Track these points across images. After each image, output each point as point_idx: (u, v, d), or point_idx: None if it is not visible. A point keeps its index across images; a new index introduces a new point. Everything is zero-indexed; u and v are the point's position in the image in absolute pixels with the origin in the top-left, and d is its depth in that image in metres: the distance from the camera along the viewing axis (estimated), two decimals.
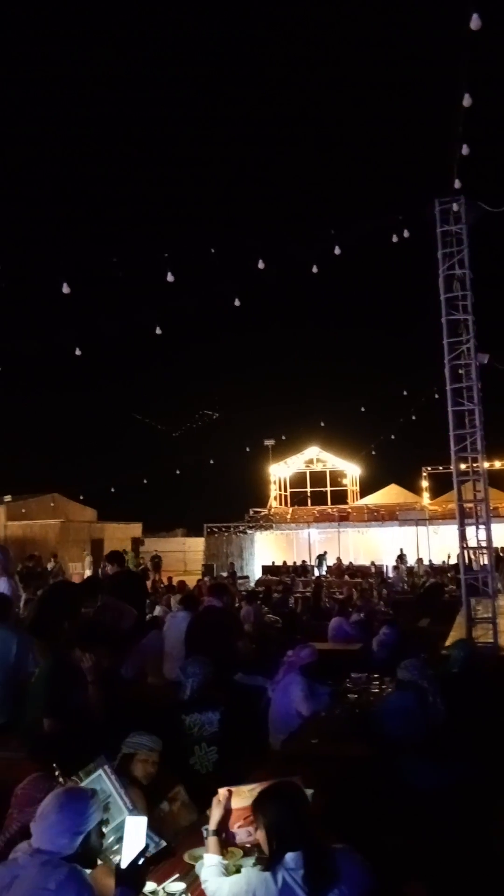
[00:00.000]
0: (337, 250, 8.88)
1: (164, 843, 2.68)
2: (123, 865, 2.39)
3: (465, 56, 5.44)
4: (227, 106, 50.64)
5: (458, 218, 9.24)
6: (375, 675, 6.21)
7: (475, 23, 4.89)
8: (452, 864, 3.40)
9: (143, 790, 3.23)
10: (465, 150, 6.88)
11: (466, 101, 6.03)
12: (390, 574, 23.41)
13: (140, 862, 2.42)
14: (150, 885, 2.47)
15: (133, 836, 2.46)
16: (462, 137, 6.84)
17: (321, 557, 26.89)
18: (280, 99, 49.71)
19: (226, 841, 2.73)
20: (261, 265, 8.84)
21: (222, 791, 2.82)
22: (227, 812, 2.72)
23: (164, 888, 2.47)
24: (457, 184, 7.95)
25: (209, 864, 2.53)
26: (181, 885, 2.52)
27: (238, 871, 2.52)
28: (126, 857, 2.41)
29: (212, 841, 2.67)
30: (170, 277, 8.90)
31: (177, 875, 2.63)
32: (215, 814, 2.73)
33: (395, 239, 9.22)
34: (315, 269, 9.42)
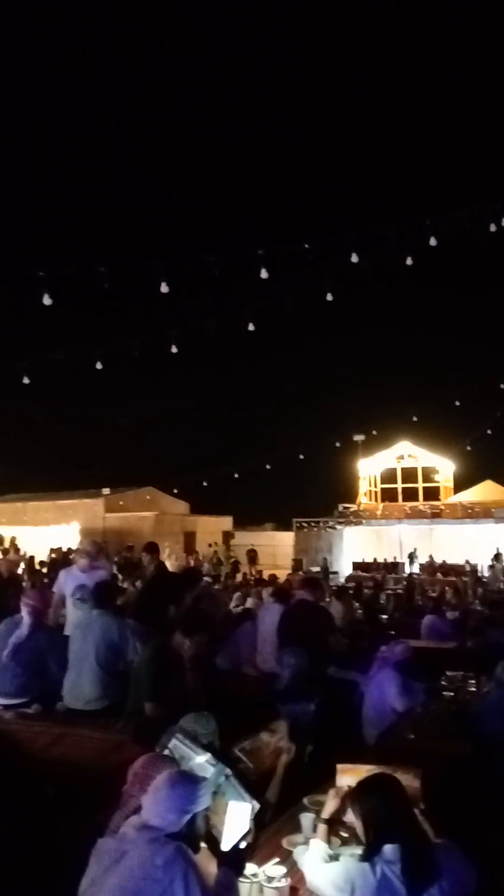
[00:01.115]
0: (433, 241, 8.70)
1: (257, 805, 2.72)
2: (226, 848, 2.47)
3: None
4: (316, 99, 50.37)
5: None
6: (471, 674, 6.09)
7: None
8: None
9: None
10: None
11: None
12: (485, 573, 22.75)
13: (242, 846, 2.49)
14: (250, 868, 2.53)
15: (236, 821, 2.52)
16: None
17: (412, 555, 26.44)
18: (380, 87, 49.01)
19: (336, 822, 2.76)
20: (354, 259, 8.78)
21: (342, 784, 2.84)
22: (342, 801, 2.74)
23: (264, 871, 2.53)
24: None
25: (314, 849, 2.56)
26: (282, 870, 2.57)
27: (336, 859, 2.55)
28: (228, 841, 2.49)
29: (321, 829, 2.70)
30: (263, 274, 8.97)
31: (276, 860, 2.69)
32: (330, 804, 2.75)
33: (493, 228, 8.94)
34: (410, 262, 9.27)
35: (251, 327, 11.23)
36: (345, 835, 2.77)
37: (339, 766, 3.05)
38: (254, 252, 8.97)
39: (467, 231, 9.33)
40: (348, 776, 2.89)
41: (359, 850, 2.48)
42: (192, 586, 6.07)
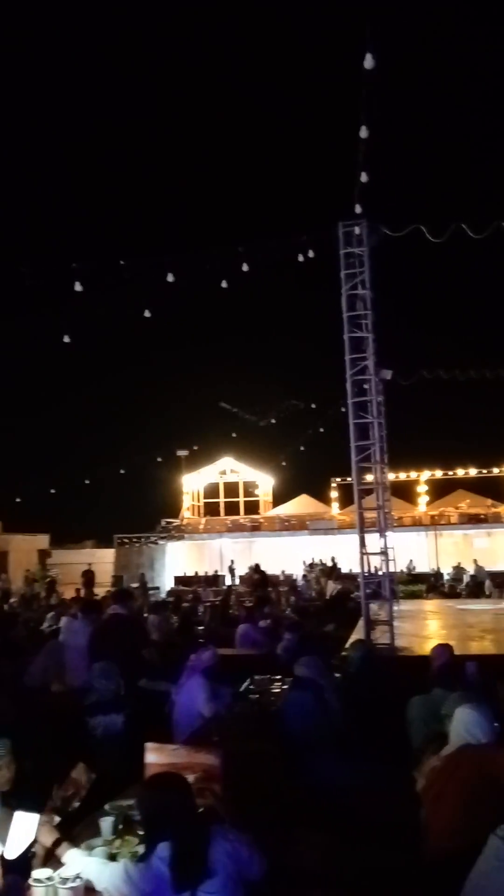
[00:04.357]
0: (245, 267, 9.17)
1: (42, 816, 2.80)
2: (11, 857, 2.50)
3: (363, 91, 5.84)
4: (143, 122, 50.70)
5: (361, 241, 9.71)
6: (278, 677, 6.46)
7: (369, 62, 5.28)
8: (357, 857, 3.57)
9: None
10: (364, 177, 7.30)
11: (363, 132, 6.44)
12: (300, 582, 23.91)
13: (28, 854, 2.54)
14: (45, 872, 2.57)
15: (22, 831, 2.60)
16: (361, 165, 7.26)
17: (231, 567, 27.15)
18: (192, 121, 50.31)
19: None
20: (170, 278, 9.03)
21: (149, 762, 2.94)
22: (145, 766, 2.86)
23: (59, 874, 2.58)
24: (357, 209, 8.39)
25: (72, 854, 2.67)
26: (75, 871, 2.64)
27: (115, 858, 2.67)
28: (14, 850, 2.53)
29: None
30: (78, 287, 8.93)
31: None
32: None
33: (300, 258, 9.59)
34: (224, 285, 9.69)
35: (66, 339, 11.07)
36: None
37: (148, 745, 3.23)
38: (69, 266, 8.93)
39: (278, 260, 9.96)
40: (154, 754, 3.06)
41: (141, 849, 2.62)
42: None
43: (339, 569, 24.50)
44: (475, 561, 23.70)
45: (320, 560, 26.14)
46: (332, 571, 24.42)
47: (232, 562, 27.63)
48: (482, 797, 3.00)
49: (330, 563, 25.02)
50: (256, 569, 24.22)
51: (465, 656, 6.96)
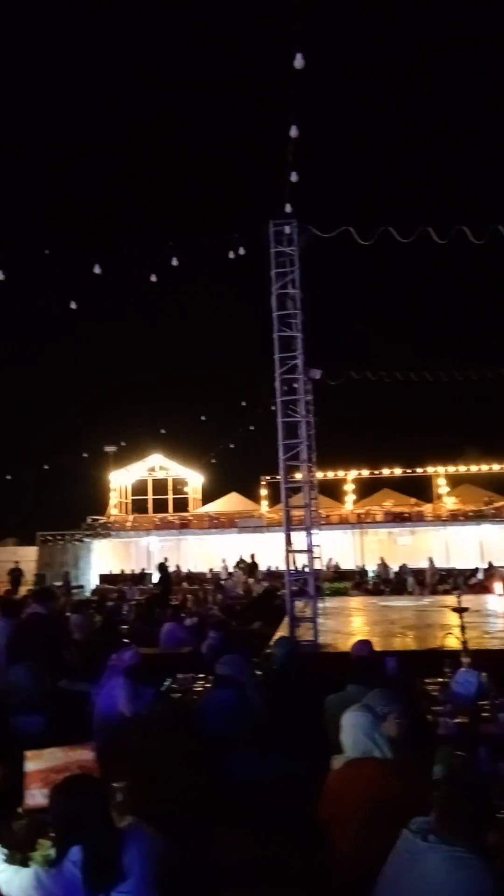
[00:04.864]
0: (174, 261, 9.09)
1: None
2: None
3: (291, 91, 5.85)
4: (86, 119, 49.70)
5: (291, 240, 9.78)
6: (201, 675, 6.42)
7: (299, 62, 5.30)
8: (276, 854, 3.58)
9: None
10: (294, 177, 7.34)
11: (293, 132, 6.47)
12: (227, 580, 23.95)
13: None
14: None
15: None
16: (291, 165, 7.29)
17: (163, 565, 26.95)
18: (127, 117, 49.66)
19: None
20: (97, 270, 8.85)
21: (29, 769, 2.87)
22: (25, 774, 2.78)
23: None
24: (288, 208, 8.43)
25: None
26: None
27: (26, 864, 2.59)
28: None
29: None
30: (0, 276, 8.66)
31: None
32: None
33: (231, 255, 9.58)
34: (154, 279, 9.57)
35: None
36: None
37: (27, 753, 3.18)
38: None
39: (209, 256, 9.92)
40: (33, 762, 2.98)
41: (53, 853, 2.54)
42: None
43: (258, 566, 24.72)
44: (429, 560, 24.18)
45: (249, 557, 26.25)
46: (252, 569, 24.61)
47: (166, 559, 27.41)
48: (377, 818, 2.94)
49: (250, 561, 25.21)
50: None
51: (386, 652, 7.10)
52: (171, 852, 2.59)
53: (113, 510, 33.42)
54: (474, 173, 40.68)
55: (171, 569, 26.47)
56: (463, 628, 6.00)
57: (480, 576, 21.07)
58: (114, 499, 33.78)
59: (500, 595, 16.70)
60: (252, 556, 25.63)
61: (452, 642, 6.06)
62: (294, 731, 5.21)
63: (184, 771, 4.33)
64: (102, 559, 30.04)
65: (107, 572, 28.40)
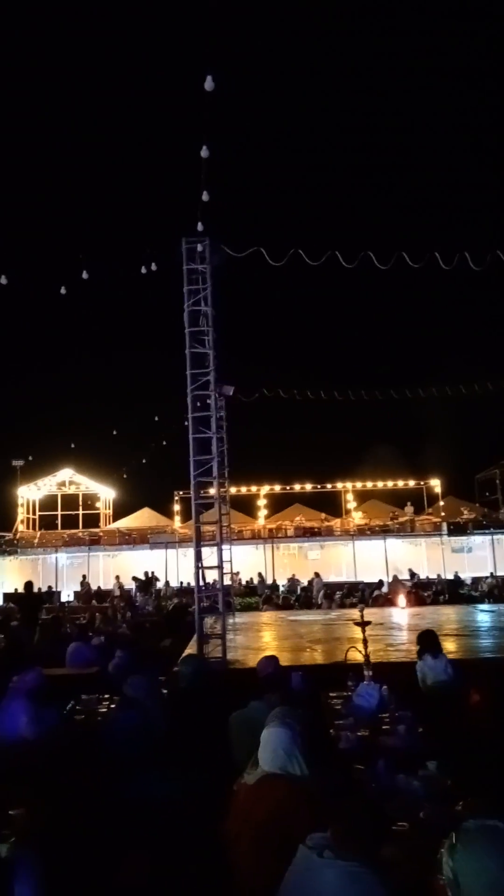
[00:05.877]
0: (85, 274, 8.99)
1: None
2: None
3: (203, 112, 5.95)
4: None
5: (204, 258, 9.86)
6: (106, 696, 6.30)
7: (209, 84, 5.40)
8: (185, 870, 3.53)
9: None
10: (205, 196, 7.43)
11: (204, 152, 6.56)
12: (138, 597, 23.63)
13: None
14: None
15: None
16: (204, 184, 7.38)
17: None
18: (44, 132, 48.81)
19: None
20: (3, 281, 8.64)
21: None
22: None
23: None
24: (199, 227, 8.51)
25: None
26: None
27: None
28: None
29: None
30: None
31: None
32: None
33: (143, 270, 9.56)
34: (63, 291, 9.43)
35: None
36: None
37: None
38: None
39: (121, 270, 9.87)
40: None
41: None
42: None
43: (154, 582, 24.57)
44: (316, 574, 24.44)
45: (144, 574, 25.95)
46: (147, 585, 24.47)
47: (85, 577, 26.78)
48: (285, 836, 2.90)
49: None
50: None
51: (292, 667, 7.19)
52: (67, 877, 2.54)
53: (20, 526, 32.39)
54: (380, 197, 42.28)
55: (86, 587, 25.93)
56: (366, 642, 6.15)
57: (385, 589, 21.64)
58: (21, 514, 32.76)
59: (402, 608, 17.26)
60: (146, 574, 25.50)
61: (356, 655, 6.20)
62: (199, 749, 5.20)
63: (84, 795, 4.25)
64: (8, 577, 29.01)
65: (11, 591, 27.41)
